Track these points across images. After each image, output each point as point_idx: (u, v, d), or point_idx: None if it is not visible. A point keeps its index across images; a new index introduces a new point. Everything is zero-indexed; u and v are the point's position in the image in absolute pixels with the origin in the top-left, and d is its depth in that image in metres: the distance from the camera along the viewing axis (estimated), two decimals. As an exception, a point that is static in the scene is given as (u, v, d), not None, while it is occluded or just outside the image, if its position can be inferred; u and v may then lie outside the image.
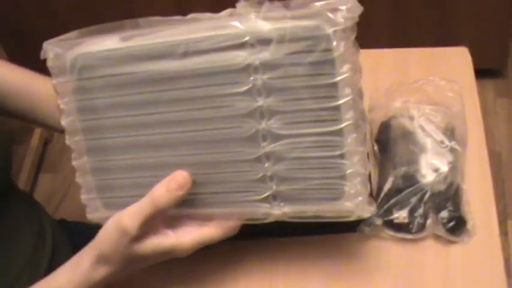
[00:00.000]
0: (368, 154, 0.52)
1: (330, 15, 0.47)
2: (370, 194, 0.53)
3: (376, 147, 0.71)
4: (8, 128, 0.75)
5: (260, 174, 0.52)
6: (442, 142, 0.67)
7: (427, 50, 0.83)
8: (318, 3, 0.48)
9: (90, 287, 0.55)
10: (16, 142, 1.74)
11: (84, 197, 0.58)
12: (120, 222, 0.51)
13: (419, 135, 0.68)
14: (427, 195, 0.63)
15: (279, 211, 0.53)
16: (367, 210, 0.52)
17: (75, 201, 0.58)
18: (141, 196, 0.52)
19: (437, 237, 0.63)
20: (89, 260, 0.54)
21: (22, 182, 1.64)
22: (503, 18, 1.57)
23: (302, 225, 0.54)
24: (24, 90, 0.73)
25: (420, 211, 0.62)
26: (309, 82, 0.49)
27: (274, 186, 0.53)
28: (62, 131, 0.58)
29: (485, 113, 0.74)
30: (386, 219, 0.63)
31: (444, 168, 0.64)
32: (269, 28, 0.48)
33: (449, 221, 0.62)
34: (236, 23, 0.49)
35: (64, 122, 0.56)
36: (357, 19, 0.48)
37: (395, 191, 0.64)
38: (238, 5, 0.50)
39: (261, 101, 0.50)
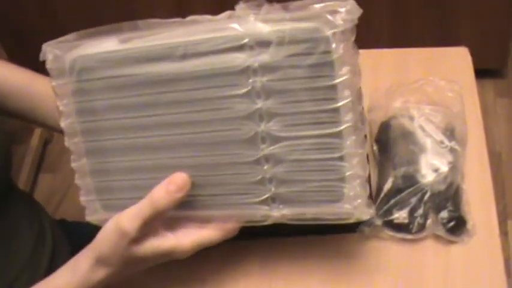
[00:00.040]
0: (367, 155, 0.52)
1: (329, 17, 0.47)
2: (369, 196, 0.53)
3: (376, 147, 0.71)
4: (8, 128, 0.75)
5: (259, 177, 0.52)
6: (442, 142, 0.67)
7: (427, 50, 0.83)
8: (317, 5, 0.48)
9: None
10: (16, 142, 1.74)
11: (83, 198, 0.58)
12: (119, 224, 0.51)
13: (419, 135, 0.68)
14: (427, 196, 0.63)
15: (278, 213, 0.53)
16: (366, 213, 0.52)
17: (75, 201, 0.58)
18: (140, 198, 0.52)
19: (437, 237, 0.63)
20: (87, 262, 0.54)
21: (22, 182, 1.64)
22: (503, 18, 1.57)
23: (302, 226, 0.54)
24: (24, 90, 0.73)
25: (420, 211, 0.62)
26: (308, 84, 0.49)
27: (273, 189, 0.53)
28: (61, 131, 0.58)
29: (485, 113, 0.74)
30: (386, 219, 0.63)
31: (444, 168, 0.64)
32: (268, 30, 0.48)
33: (449, 221, 0.62)
34: (235, 25, 0.49)
35: (63, 123, 0.56)
36: (356, 21, 0.48)
37: (395, 191, 0.64)
38: (237, 7, 0.50)
39: (260, 103, 0.50)
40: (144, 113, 0.53)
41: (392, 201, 0.63)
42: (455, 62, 0.80)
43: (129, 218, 0.51)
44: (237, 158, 0.52)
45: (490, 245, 0.62)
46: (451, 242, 0.63)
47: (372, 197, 0.63)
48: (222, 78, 0.50)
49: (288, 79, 0.49)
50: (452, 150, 0.66)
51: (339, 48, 0.47)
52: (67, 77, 0.54)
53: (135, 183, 0.56)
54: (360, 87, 0.50)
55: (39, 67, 0.59)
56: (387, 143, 0.69)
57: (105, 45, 0.53)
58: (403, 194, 0.63)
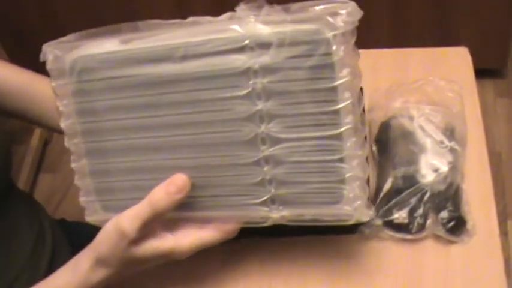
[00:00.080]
0: (367, 157, 0.52)
1: (330, 19, 0.47)
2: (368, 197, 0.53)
3: (375, 148, 0.71)
4: (8, 128, 0.75)
5: (259, 178, 0.52)
6: (441, 142, 0.67)
7: (427, 50, 0.83)
8: (317, 7, 0.48)
9: None
10: (16, 142, 1.74)
11: (82, 199, 0.58)
12: (119, 225, 0.51)
13: (419, 135, 0.68)
14: (427, 196, 0.63)
15: (278, 214, 0.53)
16: (365, 214, 0.52)
17: (74, 201, 0.58)
18: (140, 199, 0.52)
19: (437, 238, 0.63)
20: (87, 262, 0.54)
21: (22, 182, 1.64)
22: (503, 18, 1.57)
23: (301, 227, 0.54)
24: (24, 90, 0.73)
25: (420, 211, 0.62)
26: (309, 86, 0.49)
27: (273, 190, 0.53)
28: (61, 132, 0.58)
29: (485, 113, 0.74)
30: (386, 219, 0.63)
31: (444, 168, 0.64)
32: (269, 32, 0.48)
33: (449, 221, 0.62)
34: (236, 27, 0.49)
35: (63, 124, 0.56)
36: (356, 23, 0.48)
37: (395, 191, 0.64)
38: (238, 8, 0.50)
39: (260, 105, 0.50)
40: (144, 114, 0.53)
41: (392, 202, 0.63)
42: (455, 62, 0.80)
43: (128, 219, 0.51)
44: (237, 159, 0.52)
45: (490, 245, 0.62)
46: (451, 242, 0.63)
47: (370, 199, 0.63)
48: (223, 79, 0.50)
49: (288, 81, 0.49)
50: (452, 150, 0.66)
51: (339, 50, 0.47)
52: (67, 77, 0.54)
53: (134, 184, 0.56)
54: (361, 89, 0.50)
55: (39, 67, 0.59)
56: (387, 143, 0.69)
57: (106, 45, 0.53)
58: (403, 194, 0.63)
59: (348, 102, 0.49)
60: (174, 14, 0.52)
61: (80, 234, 0.67)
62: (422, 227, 0.62)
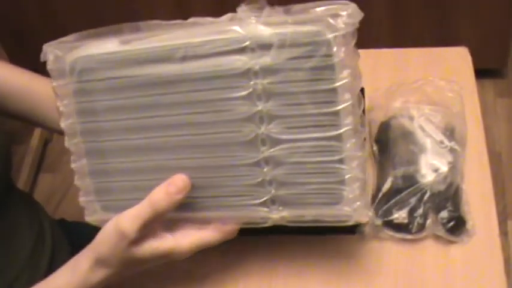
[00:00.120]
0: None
1: (331, 20, 0.47)
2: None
3: (375, 147, 0.71)
4: (8, 128, 0.75)
5: (259, 179, 0.52)
6: (441, 142, 0.67)
7: (427, 50, 0.83)
8: (318, 9, 0.48)
9: None
10: (16, 142, 1.74)
11: (82, 199, 0.58)
12: (119, 225, 0.52)
13: (419, 135, 0.68)
14: (426, 196, 0.63)
15: (278, 215, 0.53)
16: (365, 215, 0.52)
17: (74, 201, 0.58)
18: (140, 199, 0.52)
19: (437, 237, 0.63)
20: (87, 263, 0.54)
21: (22, 182, 1.64)
22: (503, 18, 1.57)
23: (301, 227, 0.54)
24: (24, 91, 0.73)
25: (420, 211, 0.62)
26: (309, 87, 0.49)
27: (273, 191, 0.53)
28: (62, 133, 0.58)
29: (485, 113, 0.74)
30: (386, 219, 0.63)
31: (444, 168, 0.64)
32: (270, 33, 0.48)
33: (449, 221, 0.62)
34: (237, 28, 0.49)
35: (63, 124, 0.56)
36: (357, 25, 0.48)
37: (395, 191, 0.64)
38: (239, 9, 0.50)
39: (260, 106, 0.50)
40: (144, 115, 0.53)
41: (392, 201, 0.63)
42: (455, 62, 0.80)
43: (128, 219, 0.51)
44: (237, 160, 0.52)
45: (490, 245, 0.62)
46: (451, 242, 0.63)
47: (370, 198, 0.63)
48: (223, 80, 0.50)
49: (288, 82, 0.49)
50: (452, 150, 0.66)
51: (340, 52, 0.47)
52: (68, 77, 0.54)
53: (134, 184, 0.56)
54: (362, 90, 0.50)
55: (39, 67, 0.59)
56: (387, 143, 0.69)
57: (106, 46, 0.53)
58: (402, 194, 0.63)
59: (348, 103, 0.49)
60: (174, 14, 0.52)
61: (79, 234, 0.67)
62: (422, 227, 0.62)
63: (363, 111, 0.51)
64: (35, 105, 0.73)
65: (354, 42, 0.48)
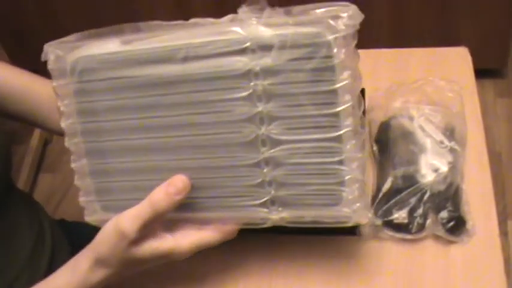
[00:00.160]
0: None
1: (331, 22, 0.47)
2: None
3: (375, 148, 0.71)
4: (8, 128, 0.75)
5: (259, 179, 0.53)
6: (441, 142, 0.67)
7: (427, 50, 0.83)
8: (319, 10, 0.48)
9: None
10: (16, 142, 1.74)
11: (82, 199, 0.58)
12: (119, 225, 0.52)
13: (419, 135, 0.68)
14: (426, 196, 0.63)
15: (277, 216, 0.53)
16: (364, 216, 0.52)
17: (74, 201, 0.58)
18: (140, 199, 0.52)
19: (437, 238, 0.63)
20: (87, 263, 0.54)
21: (22, 182, 1.65)
22: (503, 18, 1.57)
23: (301, 228, 0.54)
24: (24, 92, 0.73)
25: (420, 211, 0.62)
26: (309, 88, 0.49)
27: (272, 191, 0.53)
28: (61, 134, 0.58)
29: (485, 113, 0.74)
30: (386, 219, 0.63)
31: (444, 168, 0.64)
32: (270, 34, 0.48)
33: (448, 221, 0.62)
34: (237, 29, 0.49)
35: (64, 124, 0.56)
36: (357, 26, 0.48)
37: (395, 191, 0.64)
38: (239, 10, 0.50)
39: (261, 107, 0.50)
40: (144, 115, 0.53)
41: (392, 201, 0.63)
42: (455, 62, 0.80)
43: (128, 220, 0.51)
44: (237, 160, 0.52)
45: (489, 245, 0.62)
46: (451, 242, 0.63)
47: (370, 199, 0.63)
48: (224, 81, 0.50)
49: (289, 83, 0.49)
50: (452, 150, 0.66)
51: (340, 53, 0.47)
52: (68, 77, 0.54)
53: (134, 184, 0.56)
54: (362, 92, 0.50)
55: (39, 67, 0.59)
56: (387, 143, 0.69)
57: (107, 46, 0.53)
58: (402, 194, 0.63)
59: (348, 104, 0.49)
60: (174, 14, 0.53)
61: (79, 235, 0.67)
62: (422, 227, 0.62)
63: (363, 112, 0.51)
64: (34, 106, 0.73)
65: (354, 43, 0.48)
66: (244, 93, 0.50)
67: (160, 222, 0.53)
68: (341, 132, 0.49)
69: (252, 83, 0.50)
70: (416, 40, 1.63)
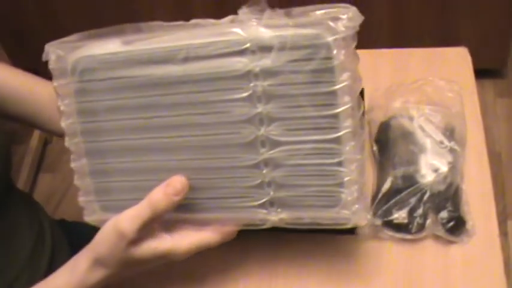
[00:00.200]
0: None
1: (331, 23, 0.47)
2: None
3: (375, 148, 0.71)
4: (8, 128, 0.75)
5: (258, 180, 0.53)
6: (441, 142, 0.67)
7: (427, 50, 0.83)
8: (319, 12, 0.48)
9: None
10: (16, 142, 1.74)
11: (82, 199, 0.58)
12: (118, 225, 0.52)
13: (419, 135, 0.68)
14: (426, 196, 0.63)
15: (276, 217, 0.54)
16: (363, 218, 0.52)
17: (74, 201, 0.58)
18: (139, 199, 0.52)
19: (437, 238, 0.63)
20: (86, 263, 0.54)
21: (22, 182, 1.64)
22: (503, 18, 1.57)
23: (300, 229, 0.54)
24: (24, 94, 0.73)
25: (420, 211, 0.62)
26: (309, 90, 0.49)
27: (271, 193, 0.53)
28: (61, 135, 0.58)
29: (485, 113, 0.74)
30: (385, 219, 0.63)
31: (444, 168, 0.64)
32: (270, 35, 0.48)
33: (448, 221, 0.62)
34: (237, 30, 0.49)
35: (64, 123, 0.56)
36: (357, 28, 0.48)
37: (395, 191, 0.64)
38: (240, 11, 0.50)
39: (260, 108, 0.50)
40: (144, 115, 0.53)
41: (391, 201, 0.63)
42: (455, 62, 0.80)
43: (127, 220, 0.51)
44: (236, 161, 0.52)
45: (489, 245, 0.62)
46: (451, 242, 0.63)
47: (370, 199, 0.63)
48: (224, 82, 0.50)
49: (288, 84, 0.49)
50: (451, 151, 0.66)
51: (339, 55, 0.47)
52: (69, 77, 0.55)
53: (134, 184, 0.56)
54: (361, 92, 0.51)
55: (39, 67, 0.59)
56: (387, 143, 0.69)
57: (108, 46, 0.53)
58: (402, 194, 0.63)
59: (348, 106, 0.49)
60: (174, 14, 0.53)
61: (79, 235, 0.67)
62: (421, 227, 0.62)
63: (363, 113, 0.51)
64: (35, 107, 0.73)
65: (354, 45, 0.49)
66: (244, 94, 0.50)
67: (160, 222, 0.53)
68: (340, 133, 0.49)
69: (251, 84, 0.50)
70: (416, 40, 1.63)
